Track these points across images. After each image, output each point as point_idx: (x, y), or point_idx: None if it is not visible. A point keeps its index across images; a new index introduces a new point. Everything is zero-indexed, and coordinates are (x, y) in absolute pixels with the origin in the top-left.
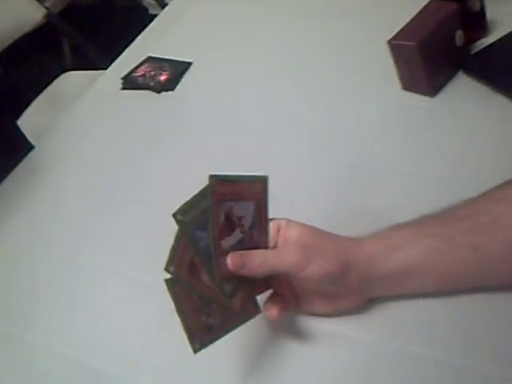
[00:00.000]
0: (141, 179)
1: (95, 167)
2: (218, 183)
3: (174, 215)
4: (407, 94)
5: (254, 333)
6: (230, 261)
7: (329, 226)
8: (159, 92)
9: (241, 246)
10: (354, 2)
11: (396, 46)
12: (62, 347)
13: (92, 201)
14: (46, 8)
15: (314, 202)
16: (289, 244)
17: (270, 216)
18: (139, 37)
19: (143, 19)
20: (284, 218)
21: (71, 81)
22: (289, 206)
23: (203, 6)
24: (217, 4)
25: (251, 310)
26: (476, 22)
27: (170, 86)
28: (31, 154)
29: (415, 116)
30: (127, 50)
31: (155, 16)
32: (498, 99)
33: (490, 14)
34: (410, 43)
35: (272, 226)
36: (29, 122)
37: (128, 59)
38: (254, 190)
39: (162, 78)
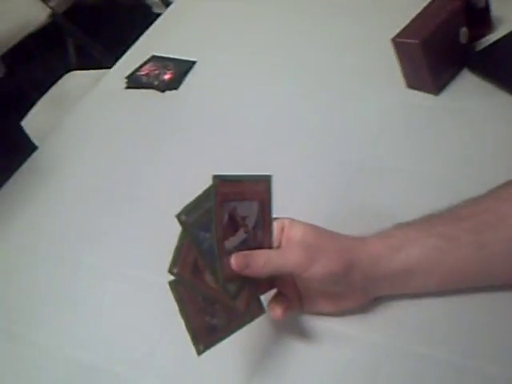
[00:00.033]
0: (145, 179)
1: (98, 167)
2: (222, 183)
3: (178, 216)
4: (411, 91)
5: (257, 332)
6: (234, 261)
7: (331, 225)
8: (163, 91)
9: (244, 246)
10: (357, 1)
11: (400, 43)
12: (65, 346)
13: (95, 200)
14: (50, 8)
15: (316, 200)
16: (292, 244)
17: (273, 216)
18: (143, 36)
19: (147, 18)
20: (287, 218)
21: (75, 80)
22: (291, 205)
23: (207, 4)
24: (221, 3)
25: (255, 310)
26: (481, 19)
27: (174, 84)
28: (35, 155)
29: (419, 114)
30: (131, 49)
31: (159, 15)
32: (503, 97)
33: (494, 10)
34: (413, 41)
35: (275, 225)
36: (34, 121)
37: (132, 58)
38: (257, 189)
39: (166, 76)
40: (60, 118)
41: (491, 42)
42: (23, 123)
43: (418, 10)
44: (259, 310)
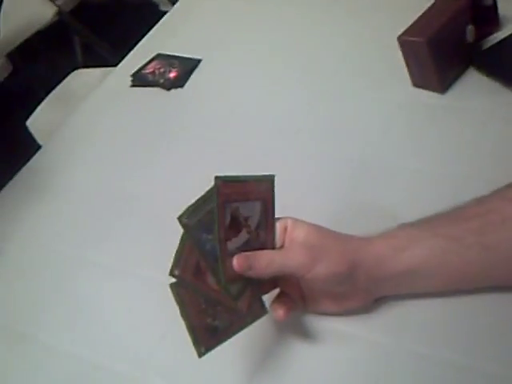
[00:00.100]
0: (149, 177)
1: (103, 165)
2: (224, 184)
3: (179, 219)
4: (417, 90)
5: (260, 332)
6: (236, 262)
7: (335, 224)
8: (169, 89)
9: (247, 246)
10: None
11: (406, 42)
12: (69, 345)
13: (99, 199)
14: (57, 6)
15: (319, 200)
16: (295, 244)
17: (276, 215)
18: (149, 34)
19: (153, 16)
20: (290, 218)
21: (81, 78)
22: (294, 205)
23: (213, 2)
24: (227, 1)
25: (257, 311)
26: (488, 17)
27: (179, 83)
28: (38, 153)
29: (425, 113)
30: (137, 47)
31: (165, 13)
32: (510, 96)
33: (502, 7)
34: (419, 39)
35: (278, 225)
36: (40, 119)
37: (138, 56)
38: (260, 189)
39: (172, 75)
40: (66, 116)
41: (498, 40)
42: (29, 121)
43: (424, 9)
44: (261, 310)
